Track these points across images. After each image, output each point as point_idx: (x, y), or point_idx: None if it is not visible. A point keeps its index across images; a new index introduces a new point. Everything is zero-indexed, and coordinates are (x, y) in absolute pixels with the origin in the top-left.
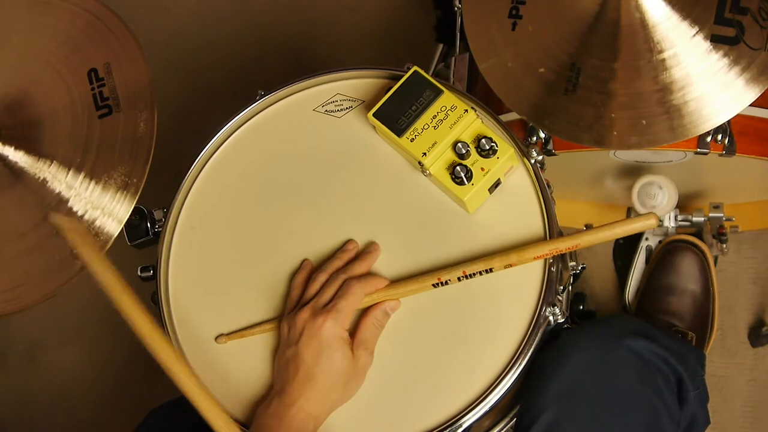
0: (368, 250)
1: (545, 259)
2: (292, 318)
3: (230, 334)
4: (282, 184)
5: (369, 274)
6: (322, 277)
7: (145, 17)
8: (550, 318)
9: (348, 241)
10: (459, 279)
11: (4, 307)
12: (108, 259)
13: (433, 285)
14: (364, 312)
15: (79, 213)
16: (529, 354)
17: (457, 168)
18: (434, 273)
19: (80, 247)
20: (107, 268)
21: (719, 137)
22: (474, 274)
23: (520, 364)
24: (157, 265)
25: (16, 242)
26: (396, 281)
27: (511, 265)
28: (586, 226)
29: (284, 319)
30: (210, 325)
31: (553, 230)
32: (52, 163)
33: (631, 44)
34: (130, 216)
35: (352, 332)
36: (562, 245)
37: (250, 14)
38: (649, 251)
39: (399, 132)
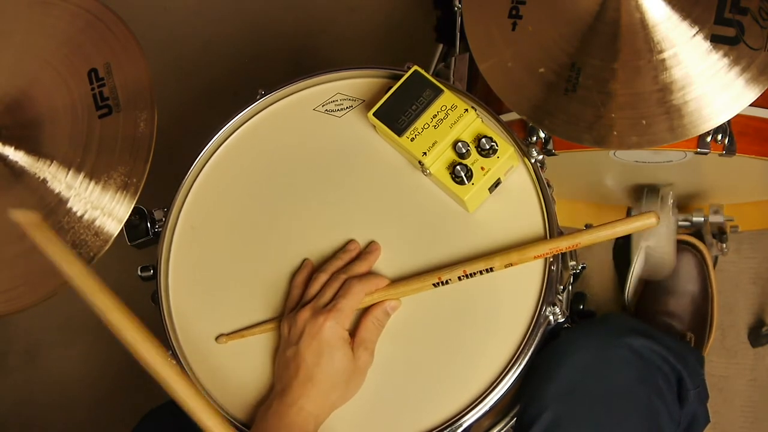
0: (369, 249)
1: (545, 259)
2: (292, 318)
3: (230, 334)
4: (282, 184)
5: (369, 274)
6: (322, 277)
7: (145, 17)
8: (550, 317)
9: (349, 242)
10: (459, 278)
11: (4, 307)
12: (77, 256)
13: (434, 284)
14: (364, 311)
15: (79, 213)
16: (529, 353)
17: (458, 167)
18: (434, 272)
19: (46, 246)
20: (78, 265)
21: (719, 137)
22: (474, 274)
23: (520, 364)
24: (157, 265)
25: (16, 242)
26: (396, 281)
27: (511, 264)
28: (586, 225)
29: (285, 318)
30: (210, 325)
31: (553, 229)
32: (52, 163)
33: (631, 44)
34: (130, 216)
35: (353, 332)
36: (563, 244)
37: (250, 14)
38: (649, 252)
39: (399, 131)
